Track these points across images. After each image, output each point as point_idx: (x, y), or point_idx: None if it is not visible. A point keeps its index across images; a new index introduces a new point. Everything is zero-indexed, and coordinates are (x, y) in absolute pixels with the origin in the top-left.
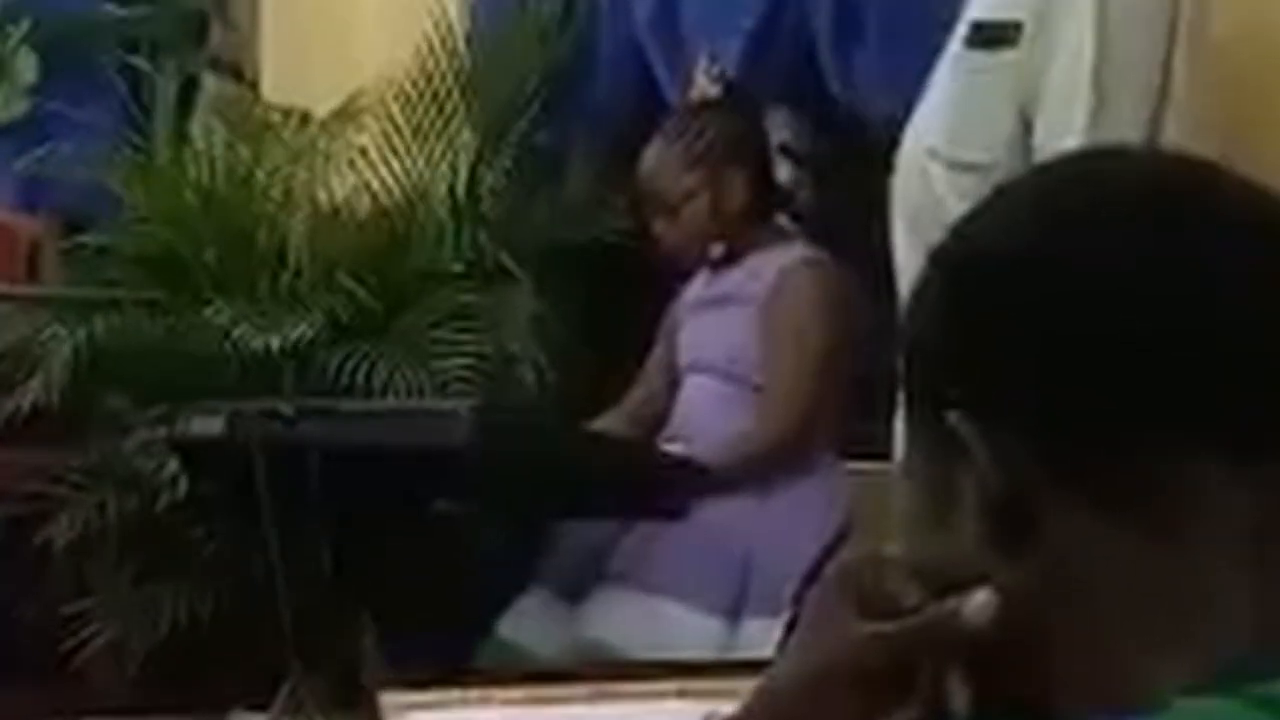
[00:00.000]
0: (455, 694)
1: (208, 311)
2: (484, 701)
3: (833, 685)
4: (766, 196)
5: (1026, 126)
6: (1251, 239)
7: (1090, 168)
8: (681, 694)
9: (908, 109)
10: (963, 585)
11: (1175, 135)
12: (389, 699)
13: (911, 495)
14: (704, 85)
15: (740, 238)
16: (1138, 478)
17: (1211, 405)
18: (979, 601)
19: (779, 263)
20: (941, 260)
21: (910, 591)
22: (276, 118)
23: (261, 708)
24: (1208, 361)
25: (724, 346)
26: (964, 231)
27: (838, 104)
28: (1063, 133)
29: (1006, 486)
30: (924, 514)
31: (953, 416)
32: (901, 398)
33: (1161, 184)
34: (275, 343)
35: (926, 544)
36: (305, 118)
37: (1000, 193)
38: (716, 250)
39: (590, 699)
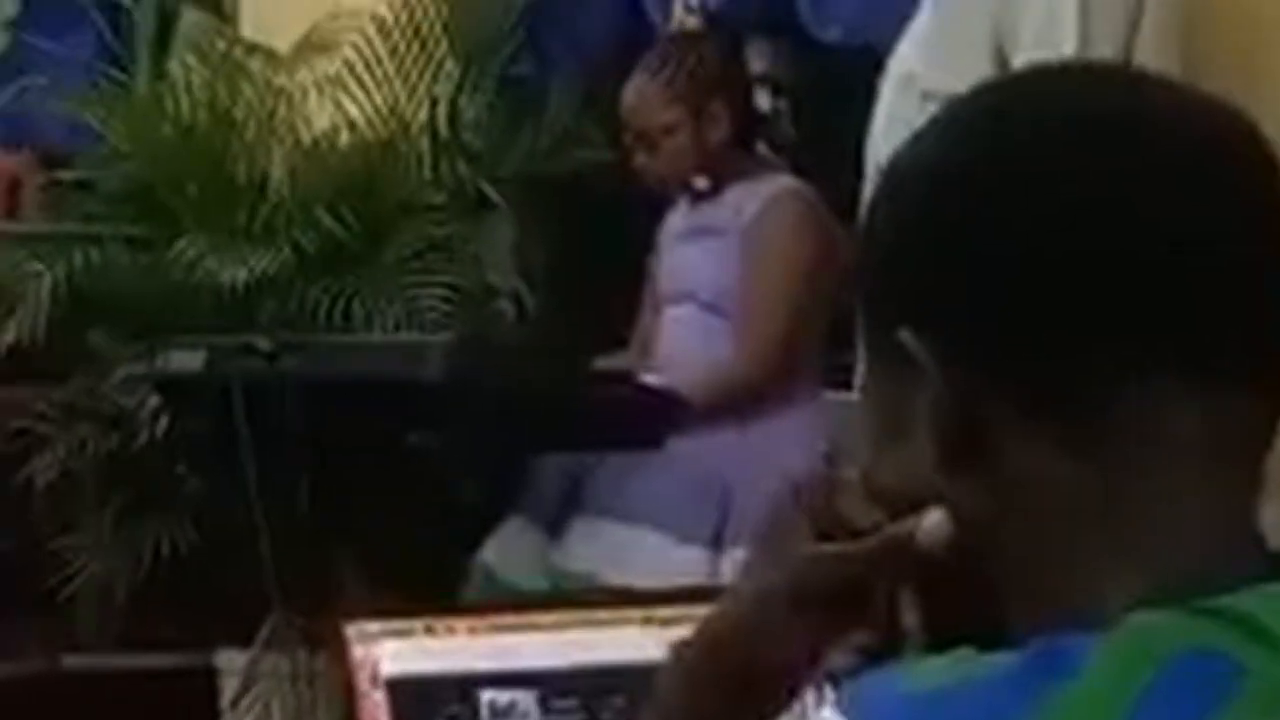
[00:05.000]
0: (419, 624)
1: (179, 244)
2: (449, 631)
3: (787, 606)
4: (748, 127)
5: (1002, 60)
6: (1198, 158)
7: (1037, 84)
8: (646, 621)
9: (886, 38)
10: (918, 506)
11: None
12: (355, 629)
13: (868, 416)
14: (683, 17)
15: (723, 169)
16: (1089, 397)
17: (1162, 324)
18: (932, 522)
19: (762, 193)
20: (889, 177)
21: (865, 513)
22: (245, 55)
23: (245, 643)
24: (1157, 281)
25: (706, 277)
26: (911, 148)
27: (815, 34)
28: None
29: (959, 406)
30: (880, 435)
31: (904, 334)
32: (859, 318)
33: (1109, 101)
34: (242, 275)
35: (882, 465)
36: (274, 55)
37: (948, 110)
38: (700, 182)
39: (552, 628)
